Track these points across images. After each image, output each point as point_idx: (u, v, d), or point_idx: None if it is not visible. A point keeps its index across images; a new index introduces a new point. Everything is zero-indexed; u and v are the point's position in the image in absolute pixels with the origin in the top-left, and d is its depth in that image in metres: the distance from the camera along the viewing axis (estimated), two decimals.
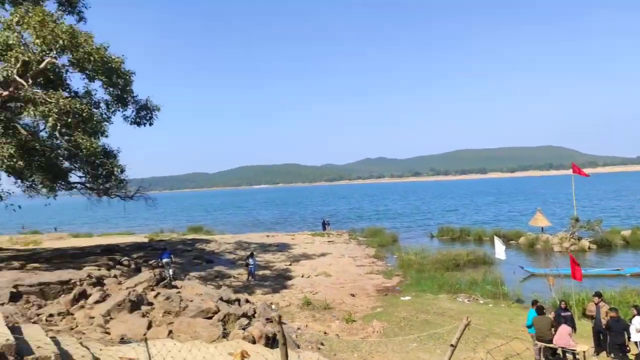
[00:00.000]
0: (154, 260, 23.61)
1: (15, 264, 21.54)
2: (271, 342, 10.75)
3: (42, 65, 15.24)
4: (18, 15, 14.91)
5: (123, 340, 11.10)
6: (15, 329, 10.50)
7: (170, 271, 20.60)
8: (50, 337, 9.34)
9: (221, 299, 15.95)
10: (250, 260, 21.97)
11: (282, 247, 32.00)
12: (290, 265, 25.35)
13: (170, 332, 12.59)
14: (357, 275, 22.73)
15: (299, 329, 13.10)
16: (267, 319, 13.51)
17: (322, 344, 11.84)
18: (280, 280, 21.65)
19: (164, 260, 20.76)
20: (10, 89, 15.48)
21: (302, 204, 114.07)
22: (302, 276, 22.46)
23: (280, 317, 5.24)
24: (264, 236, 40.00)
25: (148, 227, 60.41)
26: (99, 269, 19.61)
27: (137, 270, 22.06)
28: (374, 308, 16.76)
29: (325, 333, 13.31)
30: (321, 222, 48.17)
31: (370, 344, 12.01)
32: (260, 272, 23.08)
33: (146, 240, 38.41)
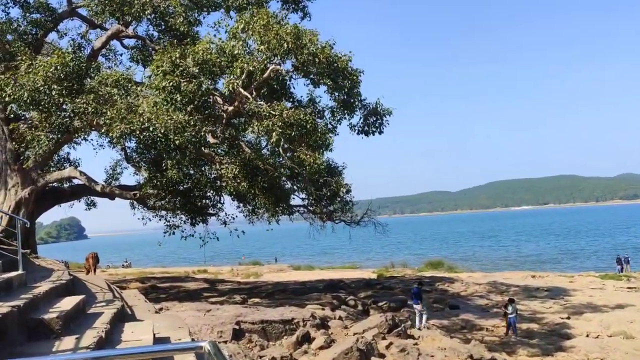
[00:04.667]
0: (384, 302, 25.06)
1: (237, 297, 25.63)
2: None
3: (265, 75, 18.06)
4: (243, 22, 18.09)
5: None
6: None
7: (425, 317, 21.24)
8: None
9: (471, 357, 16.05)
10: (510, 309, 21.46)
11: (556, 293, 30.19)
12: (568, 318, 23.81)
13: None
14: None
15: None
16: None
17: None
18: (553, 339, 20.56)
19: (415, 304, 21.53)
20: (235, 104, 18.80)
21: (583, 233, 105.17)
22: (587, 335, 20.91)
23: None
24: (527, 276, 38.38)
25: (376, 259, 64.04)
26: (323, 309, 21.85)
27: (365, 313, 23.77)
28: None
29: None
30: (615, 260, 43.92)
31: None
32: (524, 326, 22.34)
33: (374, 276, 40.88)
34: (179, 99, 17.05)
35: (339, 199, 22.35)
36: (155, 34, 24.23)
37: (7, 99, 18.14)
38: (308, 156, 17.94)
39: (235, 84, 17.61)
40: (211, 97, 19.33)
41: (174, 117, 16.90)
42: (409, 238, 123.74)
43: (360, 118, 21.01)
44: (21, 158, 22.21)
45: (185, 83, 16.99)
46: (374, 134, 21.25)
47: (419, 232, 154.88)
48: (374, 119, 20.89)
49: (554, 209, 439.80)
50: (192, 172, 23.22)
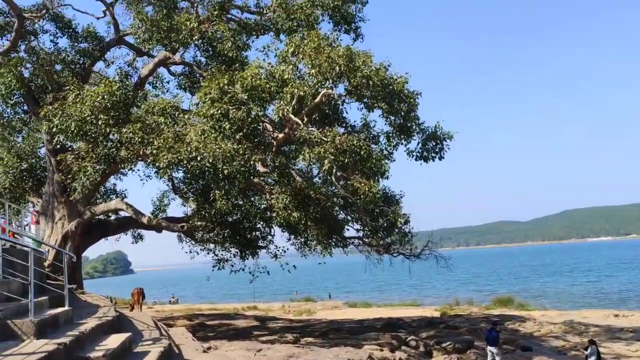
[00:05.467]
0: (448, 343, 24.55)
1: (289, 336, 25.62)
2: None
3: (317, 99, 18.32)
4: (293, 45, 18.49)
5: None
6: None
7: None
8: None
9: None
10: (590, 351, 20.70)
11: None
12: None
13: None
14: None
15: None
16: None
17: None
18: None
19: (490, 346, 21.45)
20: (286, 131, 19.11)
21: None
22: None
23: None
24: (609, 315, 36.96)
25: (439, 296, 63.01)
26: (381, 350, 21.63)
27: (428, 355, 23.41)
28: None
29: None
30: None
31: None
32: None
33: (437, 314, 40.17)
34: (227, 126, 17.40)
35: (396, 230, 22.15)
36: (203, 59, 25.02)
37: (55, 129, 19.01)
38: (362, 184, 17.95)
39: (286, 110, 17.91)
40: (261, 124, 19.67)
41: (223, 145, 17.24)
42: (475, 272, 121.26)
43: (419, 143, 20.90)
44: (68, 190, 23.11)
45: (233, 110, 17.35)
46: (433, 160, 21.08)
47: (485, 266, 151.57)
48: (433, 143, 20.74)
49: (638, 240, 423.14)
50: (241, 202, 23.59)
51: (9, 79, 21.00)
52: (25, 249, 8.14)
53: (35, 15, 25.42)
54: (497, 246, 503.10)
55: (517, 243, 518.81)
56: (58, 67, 24.67)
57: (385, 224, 22.27)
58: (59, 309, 8.54)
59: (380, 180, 19.65)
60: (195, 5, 23.80)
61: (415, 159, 21.25)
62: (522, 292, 63.05)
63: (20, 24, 23.66)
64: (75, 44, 26.41)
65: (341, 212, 23.21)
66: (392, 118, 20.01)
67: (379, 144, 21.71)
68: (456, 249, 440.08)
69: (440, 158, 21.03)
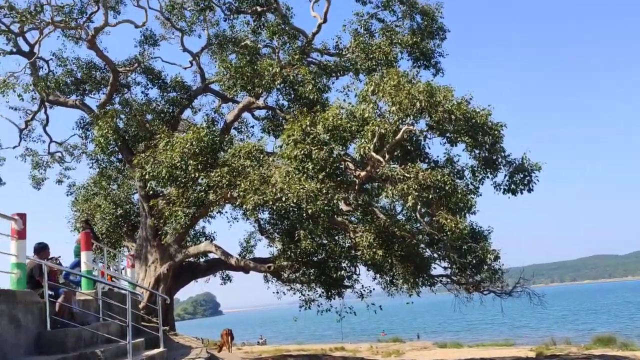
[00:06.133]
0: None
1: None
2: None
3: (398, 136, 18.31)
4: (373, 84, 18.70)
5: None
6: None
7: None
8: None
9: None
10: None
11: None
12: None
13: None
14: None
15: None
16: None
17: None
18: None
19: None
20: (368, 168, 19.16)
21: None
22: None
23: None
24: None
25: (533, 335, 60.36)
26: None
27: None
28: None
29: None
30: None
31: None
32: None
33: (532, 354, 38.50)
34: (310, 167, 17.65)
35: (486, 267, 21.52)
36: (285, 103, 25.62)
37: (147, 176, 19.95)
38: (448, 220, 17.59)
39: (367, 148, 17.97)
40: (343, 163, 19.83)
41: (306, 185, 17.47)
42: (571, 310, 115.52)
43: (505, 176, 20.32)
44: (160, 234, 24.02)
45: (316, 151, 17.60)
46: (522, 193, 20.39)
47: (582, 303, 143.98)
48: (521, 176, 20.10)
49: None
50: (325, 241, 23.70)
51: (106, 130, 22.25)
52: (123, 292, 8.49)
53: (128, 69, 27.03)
54: (593, 282, 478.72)
55: (616, 278, 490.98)
56: (149, 116, 25.99)
57: (474, 261, 21.70)
58: (155, 351, 8.79)
59: (467, 215, 19.23)
60: (277, 51, 24.61)
61: (503, 193, 20.65)
62: (624, 331, 59.29)
63: (115, 78, 25.20)
64: (165, 93, 27.83)
65: (427, 249, 22.81)
66: (477, 151, 19.65)
67: (464, 178, 21.27)
68: (550, 285, 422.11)
69: (529, 190, 20.30)
